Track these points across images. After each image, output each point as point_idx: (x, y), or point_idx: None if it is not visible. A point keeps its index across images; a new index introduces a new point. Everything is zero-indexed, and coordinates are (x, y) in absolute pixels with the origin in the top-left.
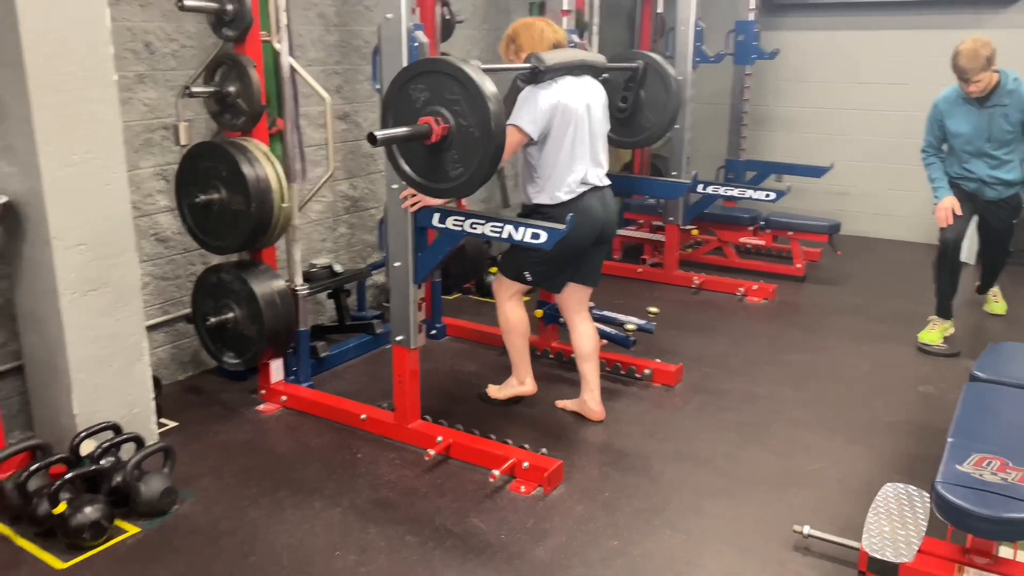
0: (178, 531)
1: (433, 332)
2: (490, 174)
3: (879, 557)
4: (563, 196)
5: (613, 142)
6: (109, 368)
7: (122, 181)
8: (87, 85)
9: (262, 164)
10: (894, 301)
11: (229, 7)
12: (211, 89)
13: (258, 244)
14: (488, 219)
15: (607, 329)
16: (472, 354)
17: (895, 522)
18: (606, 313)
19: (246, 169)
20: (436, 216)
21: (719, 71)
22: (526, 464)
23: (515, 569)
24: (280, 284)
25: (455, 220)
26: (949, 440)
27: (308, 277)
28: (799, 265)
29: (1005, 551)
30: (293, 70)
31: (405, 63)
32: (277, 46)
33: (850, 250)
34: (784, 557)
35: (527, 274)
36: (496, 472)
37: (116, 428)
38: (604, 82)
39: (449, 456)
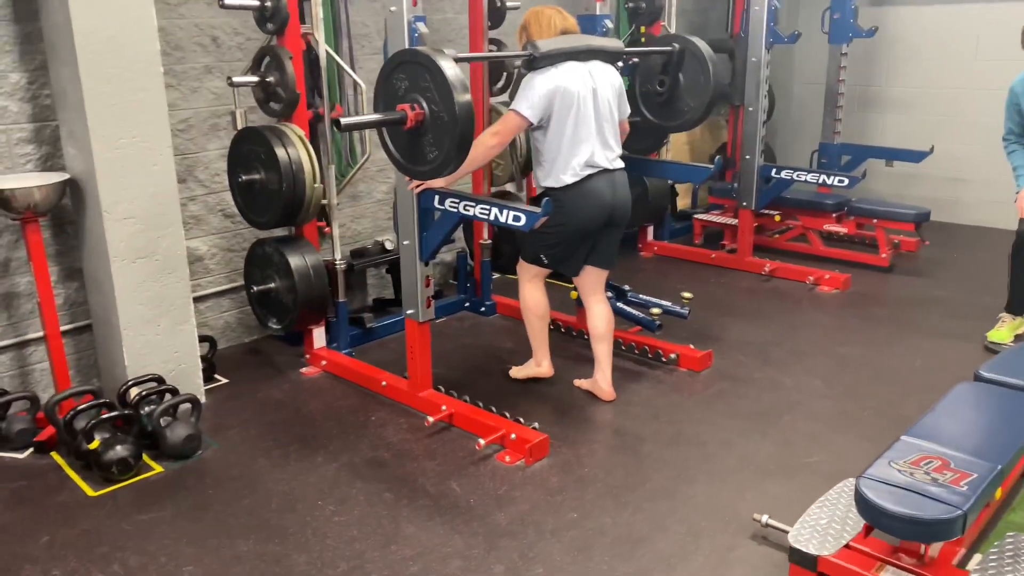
0: (194, 473)
1: (483, 310)
2: (462, 157)
3: (799, 548)
4: (568, 179)
5: (653, 126)
6: (157, 327)
7: (168, 162)
8: (134, 77)
9: (296, 147)
10: (984, 296)
11: (268, 3)
12: (251, 79)
13: (294, 221)
14: (478, 201)
15: (634, 312)
16: (514, 332)
17: (836, 516)
18: (641, 296)
19: (279, 152)
20: (436, 198)
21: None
22: (513, 436)
23: (471, 530)
24: (315, 258)
25: (451, 201)
26: (901, 437)
27: (362, 253)
28: (884, 255)
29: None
30: (332, 60)
31: None
32: (316, 37)
33: (958, 240)
34: (736, 543)
35: (542, 256)
36: (482, 441)
37: (160, 380)
38: (637, 66)
39: (452, 424)
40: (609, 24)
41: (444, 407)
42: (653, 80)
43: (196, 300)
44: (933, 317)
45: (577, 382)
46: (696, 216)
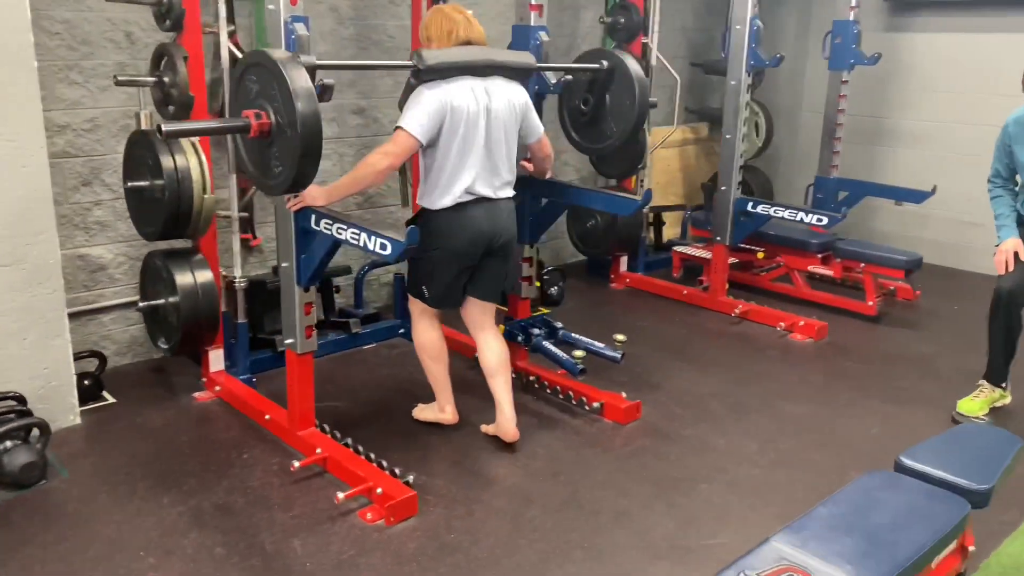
0: (26, 506)
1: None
2: (308, 174)
3: None
4: (445, 203)
5: (577, 147)
6: (22, 341)
7: (41, 164)
8: (1, 71)
9: (185, 154)
10: (974, 356)
11: None
12: (145, 78)
13: (182, 233)
14: (350, 225)
15: (557, 352)
16: None
17: None
18: (573, 335)
19: (164, 158)
20: (313, 218)
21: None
22: (379, 490)
23: None
24: (206, 276)
25: (326, 223)
26: (770, 538)
27: None
28: (871, 303)
29: None
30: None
31: None
32: (220, 36)
33: (964, 289)
34: None
35: (424, 288)
36: (340, 495)
37: (20, 399)
38: (568, 83)
39: (326, 470)
40: (544, 36)
41: (319, 449)
42: (579, 97)
43: (98, 312)
44: (908, 377)
45: (484, 428)
46: (675, 248)
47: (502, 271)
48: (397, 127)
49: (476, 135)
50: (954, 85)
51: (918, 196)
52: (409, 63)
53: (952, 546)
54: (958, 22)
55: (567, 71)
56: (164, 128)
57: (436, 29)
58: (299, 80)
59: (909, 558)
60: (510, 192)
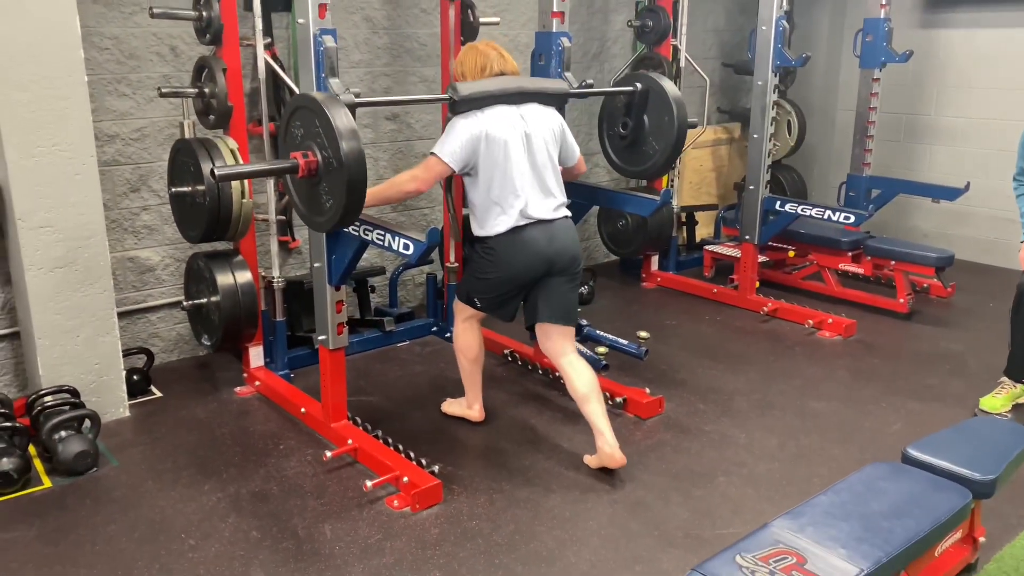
0: (79, 491)
1: (448, 335)
2: (358, 205)
3: None
4: (500, 228)
5: (621, 171)
6: (75, 338)
7: (92, 172)
8: (55, 85)
9: (224, 161)
10: (1005, 354)
11: (204, 14)
12: (188, 89)
13: (222, 236)
14: (375, 226)
15: (582, 348)
16: None
17: None
18: (598, 332)
19: (204, 164)
20: None
21: (885, 74)
22: (405, 479)
23: None
24: (245, 276)
25: (353, 225)
26: (770, 522)
27: None
28: (902, 300)
29: None
30: (273, 72)
31: (314, 67)
32: (257, 49)
33: (1002, 287)
34: None
35: (476, 300)
36: (369, 483)
37: (74, 392)
38: (607, 106)
39: (356, 460)
40: (566, 42)
41: (351, 440)
42: (618, 122)
43: (147, 311)
44: (935, 374)
45: (587, 459)
46: (706, 247)
47: (569, 293)
48: (431, 153)
49: (519, 160)
50: (991, 81)
51: (951, 193)
52: (444, 96)
53: (956, 535)
54: (995, 17)
55: (601, 93)
56: (216, 172)
57: (470, 65)
58: (340, 118)
59: (904, 543)
60: (564, 212)
